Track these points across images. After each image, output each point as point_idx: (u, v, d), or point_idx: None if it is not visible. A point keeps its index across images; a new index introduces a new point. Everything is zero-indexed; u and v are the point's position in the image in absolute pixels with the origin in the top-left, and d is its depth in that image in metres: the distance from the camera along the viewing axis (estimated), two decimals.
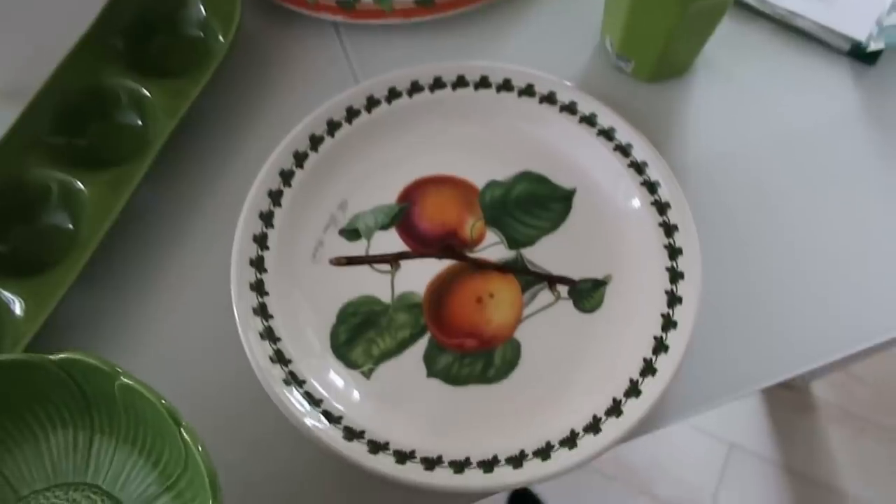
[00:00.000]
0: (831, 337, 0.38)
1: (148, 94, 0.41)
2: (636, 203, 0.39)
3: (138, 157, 0.39)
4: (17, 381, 0.30)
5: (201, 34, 0.45)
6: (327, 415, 0.34)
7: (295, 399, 0.34)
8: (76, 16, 0.42)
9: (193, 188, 0.42)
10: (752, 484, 0.97)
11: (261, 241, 0.38)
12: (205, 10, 0.45)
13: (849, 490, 0.97)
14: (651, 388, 0.34)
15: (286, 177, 0.39)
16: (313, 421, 0.34)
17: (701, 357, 0.37)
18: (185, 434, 0.28)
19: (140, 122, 0.42)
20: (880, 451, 0.98)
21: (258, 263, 0.37)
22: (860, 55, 0.44)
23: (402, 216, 0.40)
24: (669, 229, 0.38)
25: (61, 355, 0.29)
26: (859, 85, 0.44)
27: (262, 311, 0.36)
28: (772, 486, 0.97)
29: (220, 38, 0.44)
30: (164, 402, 0.28)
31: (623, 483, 0.96)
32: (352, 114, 0.41)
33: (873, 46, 0.43)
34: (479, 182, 0.41)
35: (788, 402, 1.01)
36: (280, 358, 0.35)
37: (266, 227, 0.38)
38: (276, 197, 0.39)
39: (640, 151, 0.39)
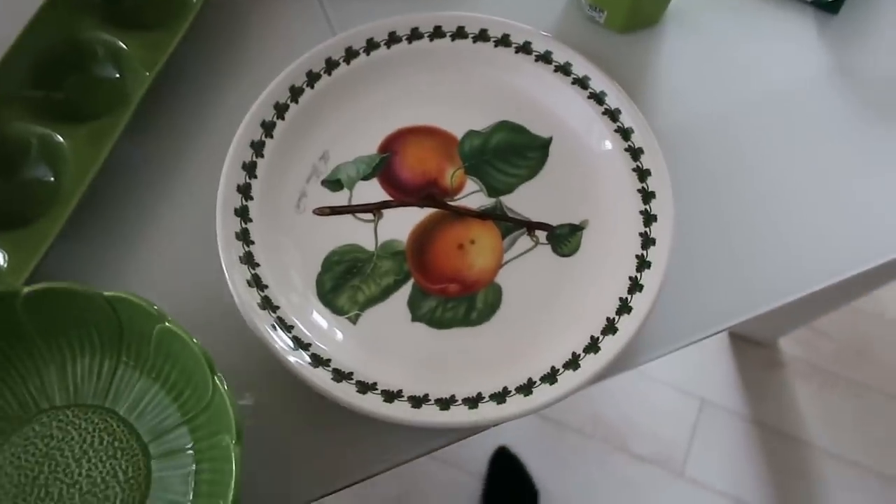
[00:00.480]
0: (796, 276, 0.40)
1: (125, 46, 0.41)
2: (610, 149, 0.40)
3: (117, 109, 0.39)
4: (62, 307, 0.33)
5: None
6: (316, 357, 0.35)
7: (284, 342, 0.35)
8: None
9: (175, 140, 0.42)
10: (723, 437, 1.00)
11: (245, 191, 0.38)
12: None
13: (815, 442, 1.00)
14: (627, 325, 0.35)
15: (268, 128, 0.40)
16: (302, 363, 0.34)
17: (674, 296, 0.38)
18: (219, 382, 0.31)
19: (118, 75, 0.42)
20: (844, 404, 1.02)
21: (243, 213, 0.38)
22: (823, 4, 0.46)
23: (383, 166, 0.41)
24: (643, 174, 0.39)
25: (112, 293, 0.32)
26: (823, 34, 0.46)
27: (248, 260, 0.37)
28: (742, 439, 1.00)
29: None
30: (204, 351, 0.31)
31: (600, 441, 0.99)
32: (331, 65, 0.41)
33: None
34: (458, 132, 0.42)
35: (757, 358, 1.04)
36: (268, 304, 0.36)
37: (249, 177, 0.39)
38: (258, 147, 0.39)
39: (614, 99, 0.40)
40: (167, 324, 0.31)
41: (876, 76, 0.44)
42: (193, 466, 0.33)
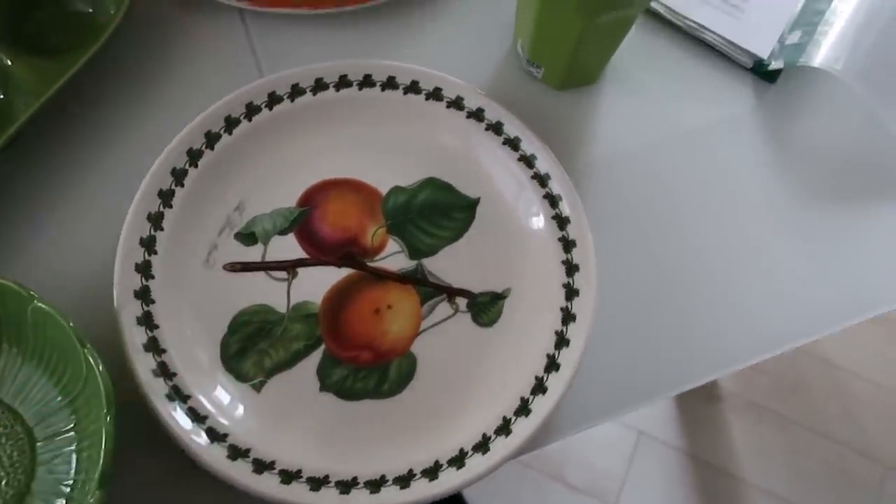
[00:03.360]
0: (721, 353, 0.39)
1: (10, 65, 0.38)
2: (537, 215, 0.39)
3: None
4: None
5: (90, 10, 0.42)
6: (211, 432, 0.33)
7: (178, 416, 0.33)
8: None
9: (69, 176, 0.39)
10: (658, 470, 1.01)
11: (148, 244, 0.36)
12: None
13: (747, 477, 1.02)
14: (540, 406, 0.34)
15: (178, 176, 0.37)
16: (196, 438, 0.32)
17: (592, 372, 0.37)
18: (87, 355, 0.31)
19: (2, 97, 0.39)
20: (777, 440, 1.03)
21: (144, 269, 0.36)
22: (762, 72, 0.45)
23: (301, 220, 0.39)
24: (568, 244, 0.38)
25: None
26: (760, 101, 0.45)
27: (146, 321, 0.35)
28: (677, 472, 1.01)
29: (112, 15, 0.41)
30: (71, 325, 0.31)
31: (536, 470, 0.98)
32: (252, 110, 0.39)
33: (774, 65, 0.44)
34: (383, 187, 0.40)
35: (696, 393, 1.05)
36: (165, 371, 0.34)
37: (155, 229, 0.36)
38: (166, 197, 0.37)
39: (544, 163, 0.39)
40: (38, 303, 0.32)
41: (809, 147, 0.44)
42: (75, 445, 0.33)
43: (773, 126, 0.44)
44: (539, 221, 0.39)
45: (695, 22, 0.46)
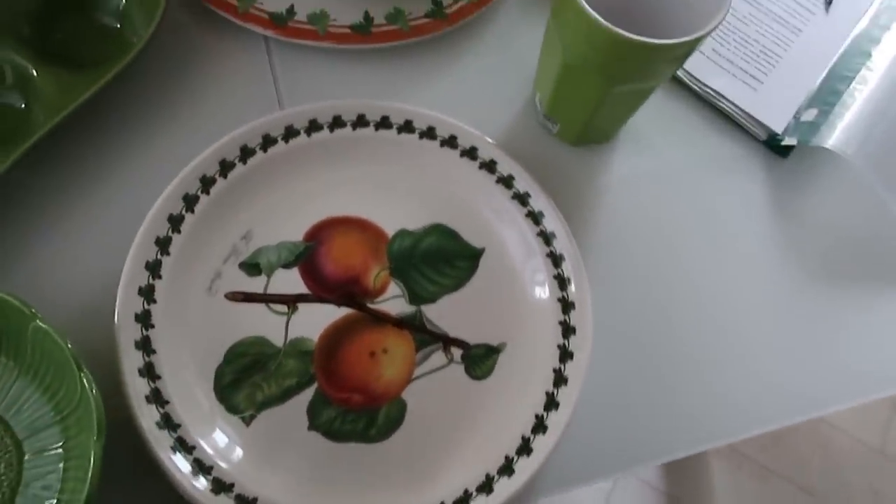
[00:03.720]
0: (715, 424, 0.39)
1: (35, 75, 0.39)
2: (539, 273, 0.39)
3: (14, 141, 0.37)
4: None
5: (118, 25, 0.43)
6: (198, 463, 0.33)
7: (166, 444, 0.33)
8: None
9: (83, 191, 0.40)
10: None
11: (154, 268, 0.36)
12: None
13: None
14: (524, 467, 0.35)
15: (190, 202, 0.38)
16: (181, 468, 0.33)
17: (579, 435, 0.38)
18: (83, 378, 0.31)
19: (23, 105, 0.40)
20: (755, 486, 1.04)
21: (147, 293, 0.36)
22: (775, 146, 0.46)
23: (306, 255, 0.39)
24: (567, 306, 0.38)
25: None
26: (770, 175, 0.45)
27: (144, 345, 0.35)
28: None
29: (139, 32, 0.41)
30: (69, 346, 0.32)
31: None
32: (268, 142, 0.40)
33: (787, 141, 0.45)
34: (390, 229, 0.40)
35: None
36: (157, 398, 0.34)
37: (162, 254, 0.37)
38: (176, 222, 0.37)
39: (550, 221, 0.40)
40: (39, 322, 0.32)
41: (816, 225, 0.45)
42: (62, 464, 0.33)
43: (782, 201, 0.45)
44: (540, 279, 0.39)
45: (712, 89, 0.46)
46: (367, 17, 0.44)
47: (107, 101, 0.41)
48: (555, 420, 0.36)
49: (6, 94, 0.40)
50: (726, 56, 0.47)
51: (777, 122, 0.45)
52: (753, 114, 0.46)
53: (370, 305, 0.39)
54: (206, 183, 0.38)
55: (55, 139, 0.38)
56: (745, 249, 0.44)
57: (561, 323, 0.38)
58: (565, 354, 0.37)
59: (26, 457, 0.34)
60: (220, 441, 0.35)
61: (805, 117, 0.45)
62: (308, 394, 0.36)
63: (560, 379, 0.37)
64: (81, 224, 0.39)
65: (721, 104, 0.46)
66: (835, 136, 0.44)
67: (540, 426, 0.36)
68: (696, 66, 0.46)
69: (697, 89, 0.46)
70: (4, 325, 0.34)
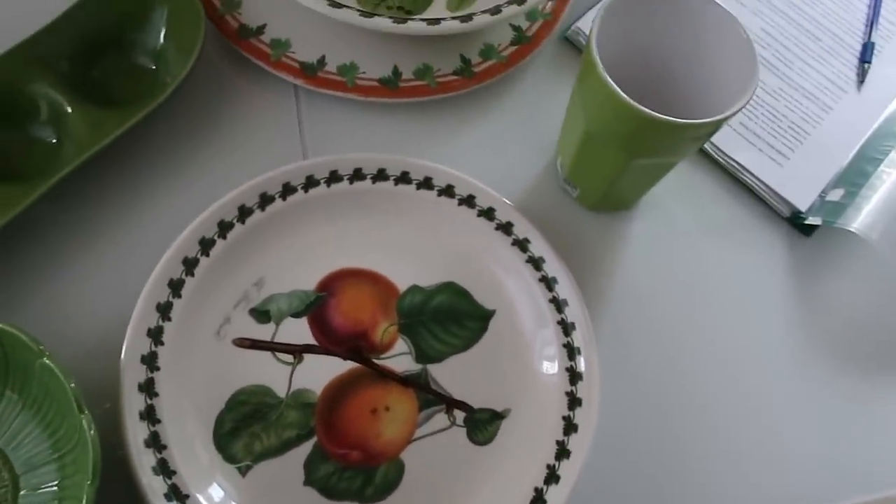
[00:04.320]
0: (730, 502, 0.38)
1: (70, 112, 0.40)
2: (549, 341, 0.39)
3: (43, 175, 0.38)
4: None
5: (153, 66, 0.44)
6: None
7: (158, 487, 0.33)
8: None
9: (104, 227, 0.40)
10: None
11: (164, 310, 0.37)
12: (164, 39, 0.44)
13: None
14: None
15: (206, 245, 0.38)
16: None
17: None
18: (84, 421, 0.31)
19: (55, 140, 0.41)
20: None
21: (156, 335, 0.36)
22: (798, 224, 0.45)
23: (317, 306, 0.39)
24: (575, 376, 0.37)
25: None
26: (792, 253, 0.45)
27: (147, 388, 0.35)
28: None
29: (174, 73, 0.42)
30: (72, 386, 0.32)
31: None
32: (288, 190, 0.40)
33: (811, 220, 0.44)
34: (402, 284, 0.40)
35: None
36: (155, 442, 0.34)
37: (173, 296, 0.37)
38: (190, 265, 0.38)
39: (564, 288, 0.39)
40: (45, 360, 0.32)
41: (837, 308, 0.44)
42: (56, 503, 0.33)
43: (803, 281, 0.44)
44: (549, 347, 0.39)
45: (737, 163, 0.46)
46: (396, 72, 0.45)
47: (135, 139, 0.41)
48: (554, 495, 0.35)
49: (40, 128, 0.41)
50: (753, 129, 0.47)
51: (802, 200, 0.45)
52: (778, 190, 0.45)
53: (376, 361, 0.38)
54: (224, 228, 0.39)
55: (82, 175, 0.39)
56: (762, 327, 0.43)
57: (567, 394, 0.37)
58: (570, 427, 0.36)
59: (22, 492, 0.34)
60: (215, 493, 0.34)
61: (831, 197, 0.45)
62: (307, 447, 0.36)
63: (563, 452, 0.36)
64: (99, 261, 0.39)
65: (745, 178, 0.46)
66: (860, 219, 0.43)
67: (539, 500, 0.35)
68: (722, 139, 0.46)
69: (722, 161, 0.46)
70: (13, 359, 0.34)
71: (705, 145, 0.46)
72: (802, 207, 0.45)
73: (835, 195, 0.45)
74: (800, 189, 0.45)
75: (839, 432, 0.41)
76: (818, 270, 0.44)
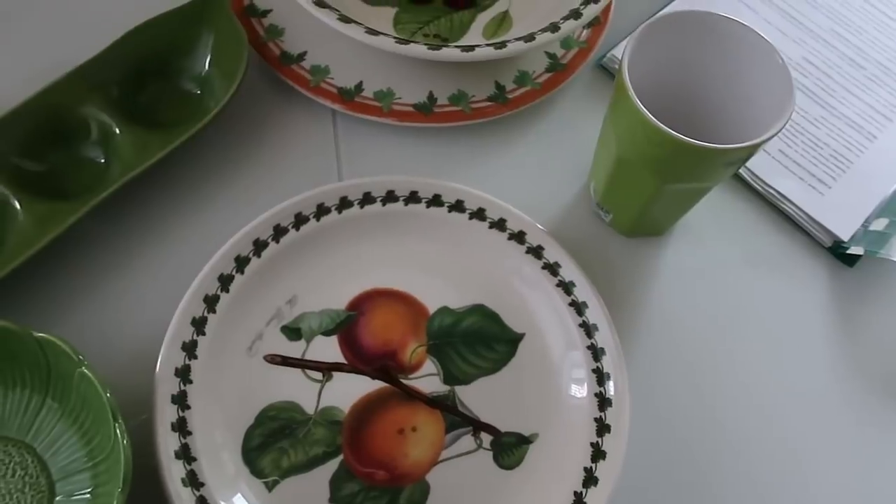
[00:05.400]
0: None
1: (118, 133, 0.42)
2: (578, 365, 0.38)
3: (91, 192, 0.40)
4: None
5: (198, 91, 0.46)
6: None
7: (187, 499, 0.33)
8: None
9: (146, 243, 0.42)
10: None
11: (199, 325, 0.38)
12: (209, 65, 0.46)
13: None
14: None
15: (241, 263, 0.39)
16: None
17: None
18: (117, 429, 0.32)
19: (103, 160, 0.43)
20: None
21: (190, 348, 0.37)
22: (840, 254, 0.44)
23: (347, 325, 0.40)
24: (604, 402, 0.37)
25: (41, 334, 0.34)
26: (834, 284, 0.43)
27: (180, 400, 0.36)
28: None
29: (217, 97, 0.44)
30: (109, 396, 0.33)
31: None
32: (322, 211, 0.41)
33: (854, 249, 0.43)
34: (432, 305, 0.40)
35: None
36: (185, 454, 0.35)
37: (208, 311, 0.38)
38: (225, 282, 0.39)
39: (594, 312, 0.39)
40: (84, 369, 0.33)
41: (881, 340, 0.42)
42: None
43: (845, 312, 0.43)
44: (578, 371, 0.38)
45: (776, 190, 0.45)
46: (431, 98, 0.46)
47: (178, 160, 0.43)
48: None
49: (90, 148, 0.43)
50: (793, 157, 0.46)
51: (844, 230, 0.44)
52: (819, 219, 0.44)
53: (404, 381, 0.38)
54: (259, 246, 0.40)
55: (126, 194, 0.40)
56: (801, 361, 0.41)
57: (596, 420, 0.37)
58: (598, 454, 0.36)
59: (57, 498, 0.34)
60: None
61: (874, 226, 0.43)
62: (333, 465, 0.36)
63: (590, 479, 0.35)
64: (139, 276, 0.41)
65: (785, 206, 0.45)
66: None
67: None
68: (760, 166, 0.46)
69: (760, 189, 0.45)
70: (55, 369, 0.35)
71: (743, 172, 0.45)
72: (845, 237, 0.43)
73: (878, 225, 0.43)
74: (842, 218, 0.44)
75: (885, 477, 0.39)
76: (861, 302, 0.43)
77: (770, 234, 0.45)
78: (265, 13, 0.48)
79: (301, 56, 0.47)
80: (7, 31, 0.47)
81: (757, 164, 0.45)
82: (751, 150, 0.33)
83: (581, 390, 0.38)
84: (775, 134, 0.33)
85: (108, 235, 0.42)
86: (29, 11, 0.48)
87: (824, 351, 0.42)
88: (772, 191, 0.45)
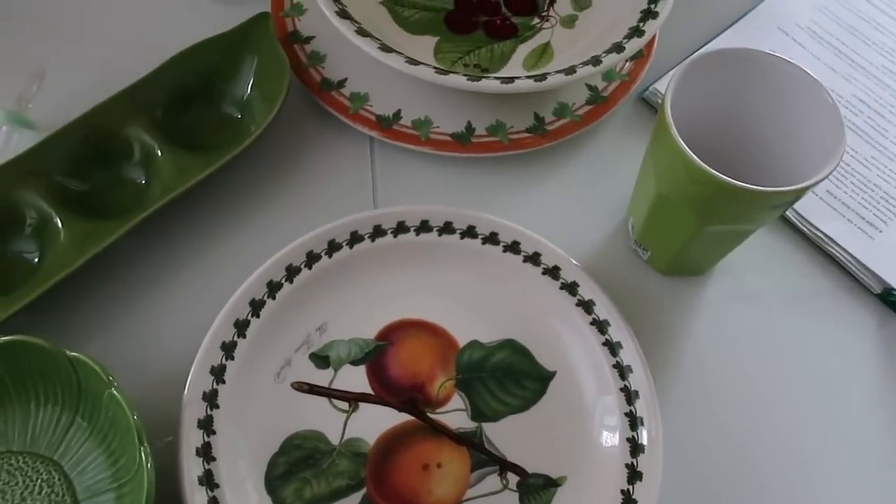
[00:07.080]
0: None
1: (160, 155, 0.43)
2: (609, 409, 0.37)
3: (132, 212, 0.40)
4: (32, 358, 0.35)
5: (238, 115, 0.46)
6: None
7: None
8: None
9: (181, 264, 0.42)
10: None
11: (228, 349, 0.38)
12: (251, 89, 0.46)
13: None
14: None
15: (273, 288, 0.39)
16: None
17: None
18: (142, 453, 0.32)
19: (144, 181, 0.43)
20: None
21: (219, 372, 0.37)
22: (890, 302, 0.42)
23: (375, 355, 0.39)
24: (636, 448, 0.36)
25: (74, 353, 0.34)
26: (883, 332, 0.42)
27: (206, 425, 0.36)
28: None
29: (257, 121, 0.44)
30: (136, 418, 0.33)
31: None
32: (356, 238, 0.41)
33: None
34: (462, 338, 0.40)
35: None
36: (209, 480, 0.34)
37: (238, 336, 0.38)
38: (256, 307, 0.39)
39: (628, 354, 0.38)
40: (113, 390, 0.34)
41: None
42: None
43: (894, 363, 0.41)
44: (610, 415, 0.37)
45: (823, 233, 0.43)
46: (469, 128, 0.46)
47: (217, 183, 0.43)
48: None
49: (132, 169, 0.43)
50: (842, 199, 0.45)
51: (894, 276, 0.42)
52: (868, 264, 0.42)
53: (431, 415, 0.38)
54: (292, 272, 0.40)
55: (164, 215, 0.41)
56: (846, 411, 0.39)
57: (627, 466, 0.35)
58: (628, 501, 0.35)
59: None
60: None
61: None
62: (355, 498, 0.36)
63: None
64: (172, 298, 0.41)
65: (832, 250, 0.43)
66: None
67: None
68: (807, 207, 0.44)
69: (806, 231, 0.44)
70: (86, 388, 0.35)
71: (788, 213, 0.44)
72: (895, 283, 0.42)
73: None
74: (893, 264, 0.42)
75: None
76: None
77: (816, 278, 0.43)
78: (308, 39, 0.49)
79: (341, 83, 0.47)
80: (58, 53, 0.49)
81: (804, 206, 0.44)
82: (798, 194, 0.32)
83: (612, 435, 0.37)
84: (826, 176, 0.32)
85: (143, 256, 0.42)
86: (79, 35, 0.50)
87: (870, 402, 0.40)
88: (819, 233, 0.43)
